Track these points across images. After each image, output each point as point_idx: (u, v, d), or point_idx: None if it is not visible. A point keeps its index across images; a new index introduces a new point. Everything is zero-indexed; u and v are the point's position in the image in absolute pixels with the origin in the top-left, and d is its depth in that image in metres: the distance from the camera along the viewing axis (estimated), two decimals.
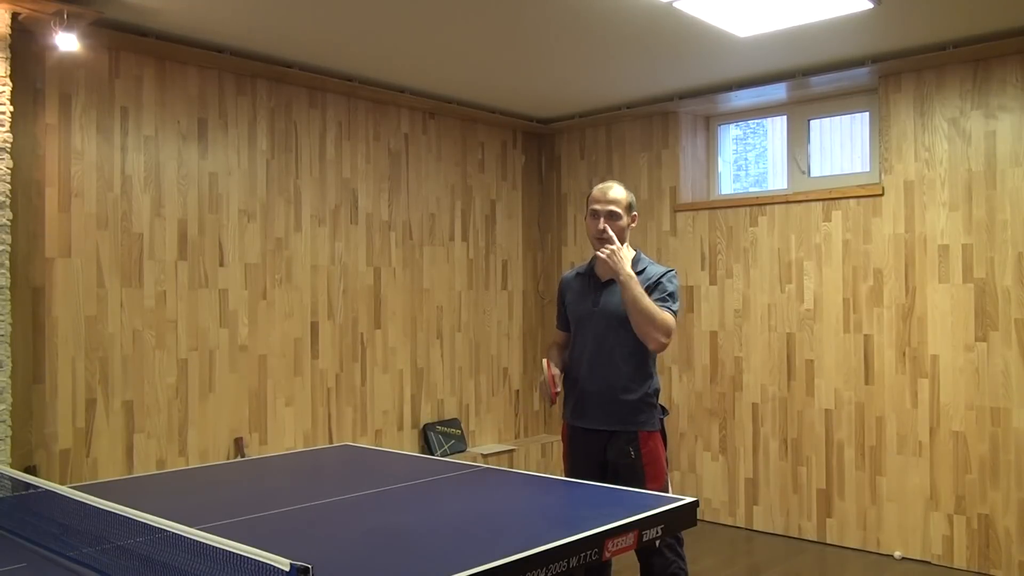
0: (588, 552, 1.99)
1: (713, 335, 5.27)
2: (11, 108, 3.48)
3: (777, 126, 6.89)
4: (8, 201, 3.44)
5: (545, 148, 6.23)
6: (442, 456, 5.11)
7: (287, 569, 1.54)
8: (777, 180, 6.74)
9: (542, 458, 5.83)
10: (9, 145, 3.45)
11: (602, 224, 2.98)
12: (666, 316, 2.88)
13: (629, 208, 3.04)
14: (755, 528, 5.09)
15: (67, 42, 3.59)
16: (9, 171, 3.45)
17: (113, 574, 1.82)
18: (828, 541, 4.79)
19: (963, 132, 4.37)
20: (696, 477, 5.34)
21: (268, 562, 1.58)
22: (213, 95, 4.41)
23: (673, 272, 3.02)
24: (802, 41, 4.23)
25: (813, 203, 4.88)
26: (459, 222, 5.65)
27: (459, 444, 5.48)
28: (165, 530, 1.87)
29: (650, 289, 2.92)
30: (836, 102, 5.04)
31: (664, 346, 2.91)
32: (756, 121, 7.13)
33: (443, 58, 4.53)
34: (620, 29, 4.03)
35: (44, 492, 2.42)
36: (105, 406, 3.98)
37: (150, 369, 4.12)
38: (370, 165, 5.12)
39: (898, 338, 4.54)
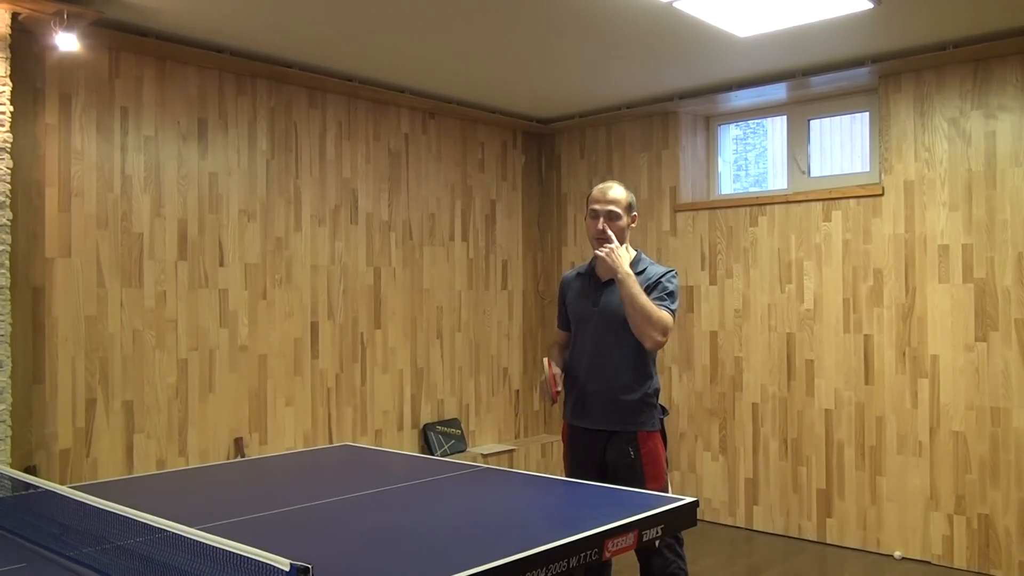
0: (588, 552, 1.99)
1: (713, 335, 5.27)
2: (11, 108, 3.48)
3: (777, 126, 6.89)
4: (8, 201, 3.44)
5: (545, 148, 6.23)
6: (442, 456, 5.11)
7: (287, 569, 1.54)
8: (777, 180, 6.74)
9: (542, 458, 5.83)
10: (9, 145, 3.45)
11: (601, 224, 2.98)
12: (663, 315, 2.87)
13: (629, 208, 3.04)
14: (755, 528, 5.09)
15: (67, 42, 3.59)
16: (9, 171, 3.45)
17: (113, 574, 1.82)
18: (828, 541, 4.79)
19: (963, 132, 4.37)
20: (696, 477, 5.34)
21: (268, 562, 1.58)
22: (213, 95, 4.41)
23: (673, 272, 3.02)
24: (802, 41, 4.23)
25: (813, 203, 4.88)
26: (459, 222, 5.65)
27: (459, 444, 5.48)
28: (165, 530, 1.87)
29: (650, 288, 2.92)
30: (836, 102, 5.04)
31: (660, 344, 2.90)
32: (756, 121, 7.13)
33: (443, 58, 4.53)
34: (620, 29, 4.03)
35: (44, 492, 2.42)
36: (105, 406, 3.98)
37: (150, 369, 4.13)
38: (370, 165, 5.12)
39: (898, 338, 4.54)
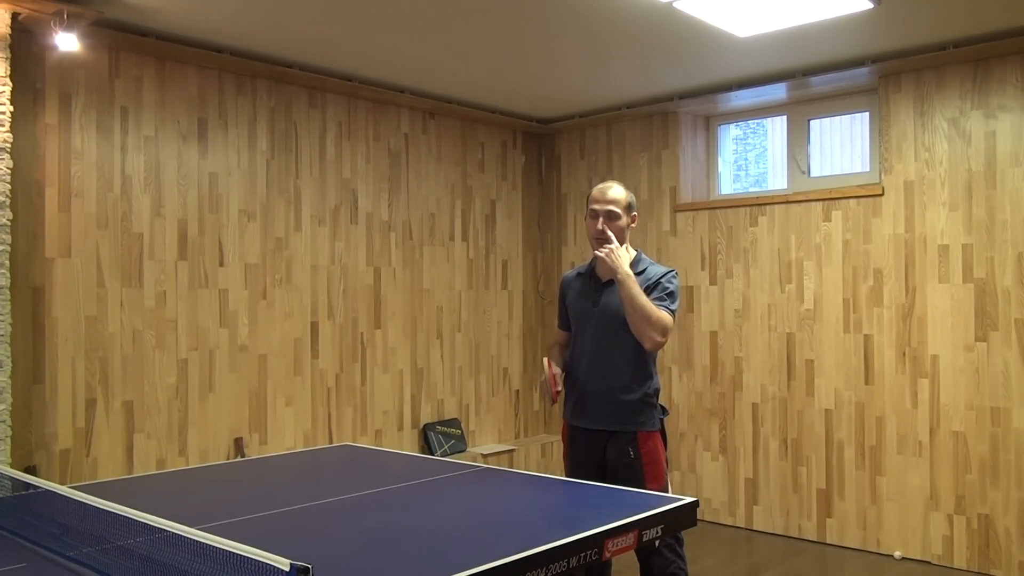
0: (588, 552, 1.99)
1: (713, 335, 5.27)
2: (11, 108, 3.48)
3: (777, 126, 6.89)
4: (8, 201, 3.44)
5: (545, 148, 6.23)
6: (442, 456, 5.11)
7: (287, 569, 1.54)
8: (777, 180, 6.74)
9: (542, 458, 5.83)
10: (9, 145, 3.45)
11: (601, 224, 2.98)
12: (662, 315, 2.87)
13: (629, 208, 3.04)
14: (755, 528, 5.09)
15: (67, 42, 3.59)
16: (9, 171, 3.45)
17: (113, 574, 1.82)
18: (828, 541, 4.79)
19: (963, 132, 4.37)
20: (696, 477, 5.34)
21: (268, 562, 1.58)
22: (213, 95, 4.41)
23: (673, 272, 3.02)
24: (802, 41, 4.23)
25: (813, 203, 4.88)
26: (459, 222, 5.65)
27: (459, 444, 5.48)
28: (165, 530, 1.87)
29: (649, 289, 2.92)
30: (836, 102, 5.04)
31: (660, 345, 2.90)
32: (756, 121, 7.13)
33: (443, 58, 4.53)
34: (620, 29, 4.03)
35: (44, 492, 2.42)
36: (105, 406, 3.98)
37: (150, 369, 4.13)
38: (370, 165, 5.12)
39: (898, 338, 4.54)
